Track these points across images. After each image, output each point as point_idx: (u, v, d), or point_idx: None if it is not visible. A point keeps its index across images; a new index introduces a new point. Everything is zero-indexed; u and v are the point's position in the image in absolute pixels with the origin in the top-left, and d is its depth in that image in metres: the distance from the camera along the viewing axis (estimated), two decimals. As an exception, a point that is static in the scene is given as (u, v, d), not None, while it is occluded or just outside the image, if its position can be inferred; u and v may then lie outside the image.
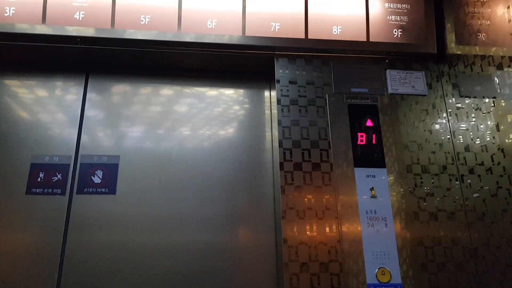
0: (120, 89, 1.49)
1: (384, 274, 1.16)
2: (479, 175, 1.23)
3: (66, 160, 1.36)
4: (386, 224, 1.22)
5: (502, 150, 1.13)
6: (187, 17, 1.36)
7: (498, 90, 1.14)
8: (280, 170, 1.26)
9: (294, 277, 1.15)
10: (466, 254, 1.20)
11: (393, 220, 1.23)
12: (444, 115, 1.38)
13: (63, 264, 1.24)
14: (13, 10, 1.31)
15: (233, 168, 1.41)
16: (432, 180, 1.29)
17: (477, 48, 1.25)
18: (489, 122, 1.18)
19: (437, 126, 1.36)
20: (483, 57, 1.21)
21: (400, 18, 1.44)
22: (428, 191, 1.28)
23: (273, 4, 1.40)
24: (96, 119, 1.43)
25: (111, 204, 1.32)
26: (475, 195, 1.23)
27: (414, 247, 1.20)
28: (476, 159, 1.24)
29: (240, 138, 1.46)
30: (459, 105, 1.33)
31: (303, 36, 1.39)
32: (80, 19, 1.33)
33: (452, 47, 1.38)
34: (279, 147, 1.29)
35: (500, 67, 1.14)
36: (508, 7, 1.12)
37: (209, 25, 1.36)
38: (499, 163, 1.15)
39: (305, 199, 1.23)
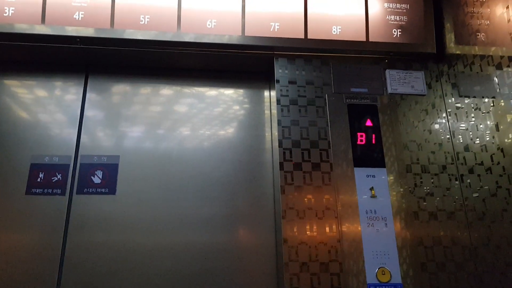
0: (119, 89, 1.49)
1: (384, 274, 1.16)
2: (478, 175, 1.23)
3: (66, 160, 1.36)
4: (386, 224, 1.22)
5: (502, 150, 1.13)
6: (187, 17, 1.36)
7: (498, 90, 1.15)
8: (280, 170, 1.26)
9: (294, 277, 1.15)
10: (466, 253, 1.21)
11: (393, 219, 1.23)
12: (444, 115, 1.38)
13: (63, 264, 1.24)
14: (12, 10, 1.31)
15: (233, 168, 1.41)
16: (432, 180, 1.29)
17: (477, 48, 1.25)
18: (488, 122, 1.19)
19: (436, 126, 1.37)
20: (482, 57, 1.22)
21: (399, 18, 1.44)
22: (428, 190, 1.28)
23: (272, 4, 1.40)
24: (96, 119, 1.43)
25: (111, 204, 1.32)
26: (475, 194, 1.23)
27: (414, 246, 1.21)
28: (475, 159, 1.24)
29: (240, 138, 1.46)
30: (458, 105, 1.33)
31: (302, 36, 1.39)
32: (80, 19, 1.32)
33: (452, 47, 1.39)
34: (279, 147, 1.29)
35: (499, 67, 1.14)
36: (507, 7, 1.12)
37: (209, 25, 1.36)
38: (498, 163, 1.15)
39: (305, 199, 1.23)
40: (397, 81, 1.41)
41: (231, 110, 1.51)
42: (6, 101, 1.43)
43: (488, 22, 1.20)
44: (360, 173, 1.28)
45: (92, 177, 1.35)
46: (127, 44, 1.36)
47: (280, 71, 1.39)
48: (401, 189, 1.27)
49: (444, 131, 1.36)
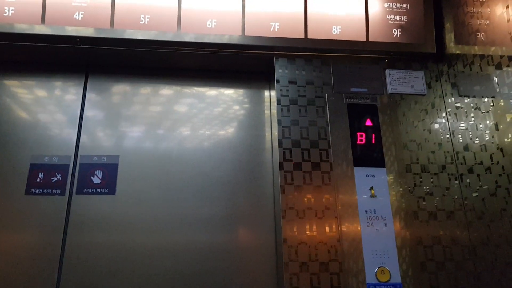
0: (119, 89, 1.49)
1: (383, 274, 1.16)
2: (478, 175, 1.23)
3: (66, 161, 1.36)
4: (385, 223, 1.22)
5: (501, 150, 1.14)
6: (187, 17, 1.36)
7: (497, 90, 1.15)
8: (280, 170, 1.26)
9: (294, 276, 1.15)
10: (466, 253, 1.21)
11: (392, 219, 1.23)
12: (443, 114, 1.38)
13: (63, 264, 1.24)
14: (12, 10, 1.31)
15: (233, 168, 1.41)
16: (432, 180, 1.29)
17: (476, 47, 1.25)
18: (488, 122, 1.19)
19: (436, 126, 1.37)
20: (482, 56, 1.22)
21: (399, 18, 1.44)
22: (428, 190, 1.28)
23: (272, 4, 1.40)
24: (96, 119, 1.43)
25: (110, 204, 1.32)
26: (474, 194, 1.24)
27: (414, 246, 1.21)
28: (475, 159, 1.25)
29: (240, 138, 1.46)
30: (458, 104, 1.34)
31: (302, 36, 1.39)
32: (80, 19, 1.32)
33: (451, 46, 1.39)
34: (279, 146, 1.29)
35: (499, 66, 1.14)
36: (507, 7, 1.12)
37: (209, 25, 1.36)
38: (498, 163, 1.15)
39: (305, 199, 1.24)
40: (397, 81, 1.42)
41: (231, 110, 1.51)
42: (5, 101, 1.43)
43: (488, 21, 1.20)
44: (360, 172, 1.28)
45: (91, 177, 1.35)
46: (127, 44, 1.36)
47: (280, 71, 1.39)
48: (401, 189, 1.27)
49: (444, 130, 1.36)
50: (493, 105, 1.17)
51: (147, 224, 1.31)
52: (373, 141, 1.32)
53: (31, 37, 1.32)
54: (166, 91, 1.51)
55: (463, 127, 1.30)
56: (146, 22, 1.34)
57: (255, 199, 1.38)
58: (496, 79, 1.15)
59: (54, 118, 1.42)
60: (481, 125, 1.22)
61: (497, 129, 1.15)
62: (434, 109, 1.39)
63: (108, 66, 1.49)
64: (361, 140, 1.32)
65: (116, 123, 1.44)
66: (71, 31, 1.32)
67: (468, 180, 1.26)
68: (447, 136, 1.35)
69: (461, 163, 1.29)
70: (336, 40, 1.40)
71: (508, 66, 1.10)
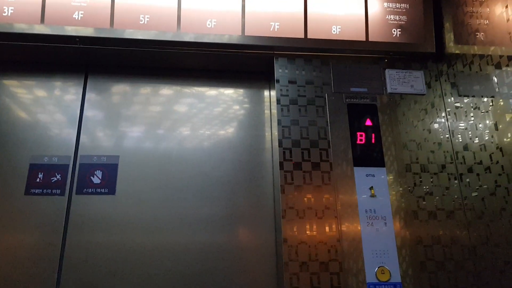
0: (119, 89, 1.49)
1: (383, 273, 1.16)
2: (477, 174, 1.23)
3: (65, 161, 1.35)
4: (385, 223, 1.22)
5: (501, 149, 1.14)
6: (187, 17, 1.36)
7: (497, 89, 1.15)
8: (280, 169, 1.26)
9: (294, 276, 1.15)
10: (465, 252, 1.21)
11: (392, 219, 1.23)
12: (443, 114, 1.39)
13: (63, 264, 1.24)
14: (11, 9, 1.31)
15: (233, 168, 1.41)
16: (431, 179, 1.29)
17: (476, 47, 1.25)
18: (487, 121, 1.19)
19: (436, 125, 1.37)
20: (481, 56, 1.22)
21: (399, 17, 1.44)
22: (427, 190, 1.28)
23: (272, 3, 1.40)
24: (96, 119, 1.43)
25: (110, 204, 1.32)
26: (474, 194, 1.24)
27: (414, 246, 1.21)
28: (475, 158, 1.25)
29: (240, 137, 1.46)
30: (457, 104, 1.34)
31: (302, 36, 1.39)
32: (79, 19, 1.32)
33: (451, 46, 1.39)
34: (279, 146, 1.29)
35: (498, 66, 1.14)
36: (506, 7, 1.12)
37: (209, 24, 1.36)
38: (497, 162, 1.15)
39: (305, 199, 1.24)
40: (397, 81, 1.42)
41: (231, 110, 1.51)
42: (5, 101, 1.42)
43: (487, 21, 1.20)
44: (359, 172, 1.28)
45: (91, 177, 1.35)
46: (127, 44, 1.36)
47: (280, 70, 1.40)
48: (401, 189, 1.27)
49: (444, 130, 1.36)
50: (492, 104, 1.17)
51: (147, 224, 1.31)
52: (373, 141, 1.32)
53: (30, 37, 1.32)
54: (166, 91, 1.51)
55: (463, 127, 1.30)
56: (146, 22, 1.34)
57: (255, 199, 1.38)
58: (495, 79, 1.15)
59: (54, 118, 1.41)
60: (480, 125, 1.22)
61: (496, 129, 1.15)
62: (433, 109, 1.39)
63: (108, 66, 1.49)
64: (361, 140, 1.32)
65: (116, 123, 1.43)
66: (70, 31, 1.32)
67: (467, 180, 1.27)
68: (447, 135, 1.35)
69: (461, 163, 1.30)
70: (336, 40, 1.40)
71: (507, 65, 1.10)
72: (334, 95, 1.38)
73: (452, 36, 1.38)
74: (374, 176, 1.28)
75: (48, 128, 1.40)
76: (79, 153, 1.37)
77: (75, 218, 1.29)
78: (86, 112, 1.44)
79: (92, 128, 1.42)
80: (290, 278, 1.15)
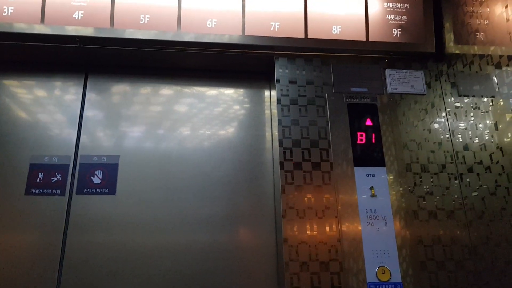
0: (119, 89, 1.49)
1: (384, 273, 1.16)
2: (478, 174, 1.23)
3: (66, 161, 1.35)
4: (386, 223, 1.22)
5: (501, 149, 1.14)
6: (187, 17, 1.36)
7: (497, 89, 1.15)
8: (280, 169, 1.26)
9: (295, 276, 1.15)
10: (466, 252, 1.21)
11: (392, 219, 1.23)
12: (443, 114, 1.39)
13: (63, 264, 1.24)
14: (11, 9, 1.31)
15: (233, 168, 1.41)
16: (432, 179, 1.30)
17: (476, 47, 1.25)
18: (487, 121, 1.19)
19: (436, 125, 1.37)
20: (481, 56, 1.22)
21: (399, 17, 1.45)
22: (428, 190, 1.28)
23: (272, 3, 1.40)
24: (96, 119, 1.43)
25: (111, 204, 1.32)
26: (474, 193, 1.24)
27: (414, 245, 1.21)
28: (475, 158, 1.25)
29: (240, 137, 1.46)
30: (458, 104, 1.34)
31: (302, 36, 1.39)
32: (79, 18, 1.32)
33: (451, 46, 1.39)
34: (279, 146, 1.29)
35: (498, 66, 1.14)
36: (506, 7, 1.12)
37: (209, 24, 1.36)
38: (497, 162, 1.15)
39: (305, 199, 1.24)
40: (397, 81, 1.42)
41: (231, 110, 1.51)
42: (5, 101, 1.42)
43: (487, 21, 1.20)
44: (360, 172, 1.28)
45: (92, 177, 1.35)
46: (127, 43, 1.36)
47: (280, 70, 1.40)
48: (401, 188, 1.28)
49: (444, 130, 1.36)
50: (492, 104, 1.17)
51: (147, 224, 1.31)
52: (373, 141, 1.32)
53: (30, 37, 1.31)
54: (166, 91, 1.51)
55: (463, 127, 1.30)
56: (146, 22, 1.34)
57: (256, 198, 1.38)
58: (495, 79, 1.15)
59: (54, 118, 1.41)
60: (480, 125, 1.22)
61: (496, 129, 1.16)
62: (433, 109, 1.39)
63: (108, 66, 1.49)
64: (361, 140, 1.32)
65: (116, 123, 1.43)
66: (70, 30, 1.32)
67: (468, 180, 1.27)
68: (447, 135, 1.35)
69: (461, 163, 1.30)
70: (336, 40, 1.40)
71: (507, 65, 1.10)
72: (335, 95, 1.38)
73: (452, 36, 1.38)
74: (374, 176, 1.28)
75: (48, 128, 1.40)
76: (79, 153, 1.37)
77: (75, 218, 1.29)
78: (86, 112, 1.43)
79: (92, 128, 1.42)
80: (290, 278, 1.15)
